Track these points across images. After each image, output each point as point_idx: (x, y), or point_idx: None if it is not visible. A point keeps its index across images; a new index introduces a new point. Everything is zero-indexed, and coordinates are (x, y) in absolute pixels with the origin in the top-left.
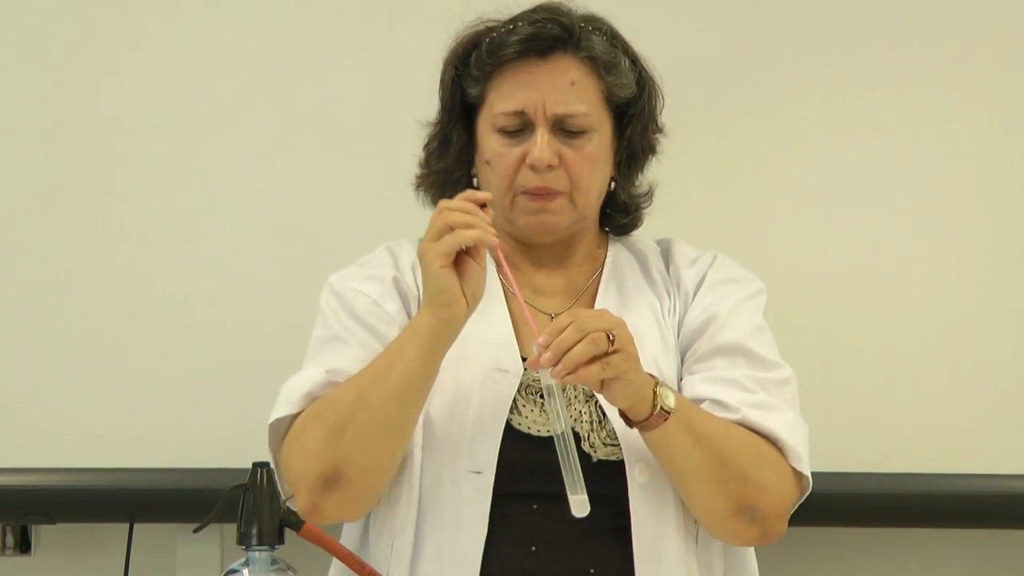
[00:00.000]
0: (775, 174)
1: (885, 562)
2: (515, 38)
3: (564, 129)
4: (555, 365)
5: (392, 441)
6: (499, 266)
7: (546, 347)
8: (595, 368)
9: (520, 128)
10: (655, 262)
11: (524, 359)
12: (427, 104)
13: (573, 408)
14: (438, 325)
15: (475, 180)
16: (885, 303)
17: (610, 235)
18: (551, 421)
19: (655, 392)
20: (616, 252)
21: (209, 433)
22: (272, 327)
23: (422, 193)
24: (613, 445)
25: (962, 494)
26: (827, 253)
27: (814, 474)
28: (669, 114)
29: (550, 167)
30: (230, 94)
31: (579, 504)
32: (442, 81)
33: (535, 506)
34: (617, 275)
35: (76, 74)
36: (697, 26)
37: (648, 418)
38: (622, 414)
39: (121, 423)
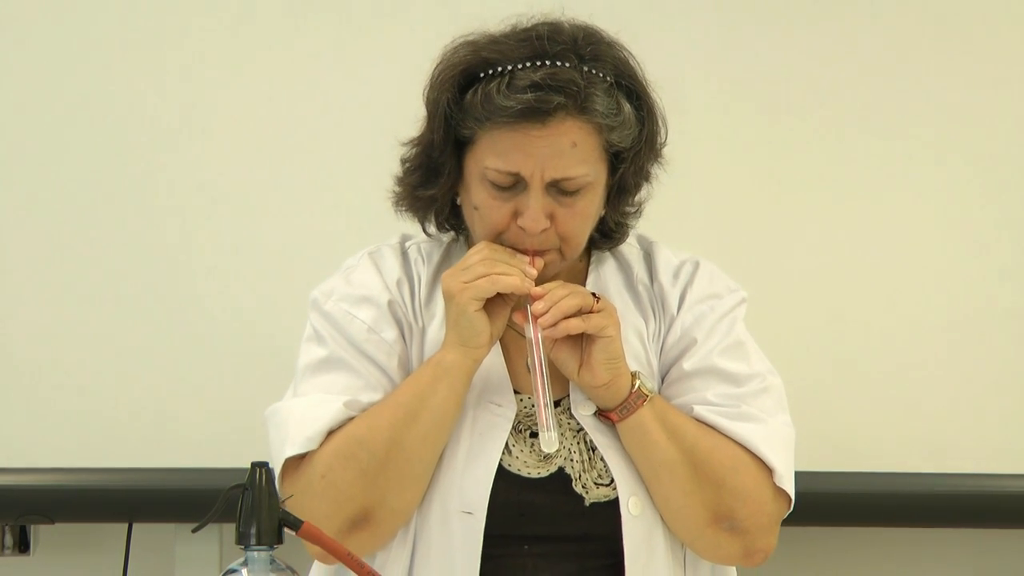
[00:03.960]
0: (775, 174)
1: (885, 562)
2: (511, 103)
3: (560, 188)
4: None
5: (424, 481)
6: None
7: (539, 298)
8: (576, 320)
9: (513, 184)
10: (639, 272)
11: (517, 392)
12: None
13: (563, 446)
14: (469, 364)
15: (458, 200)
16: (885, 303)
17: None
18: (531, 371)
19: (634, 374)
20: (598, 262)
21: (208, 433)
22: (271, 328)
23: (403, 210)
24: (604, 485)
25: (962, 494)
26: (827, 253)
27: (814, 474)
28: (669, 113)
29: (542, 230)
30: (229, 95)
31: (548, 441)
32: (430, 101)
33: (527, 547)
34: (601, 290)
35: (78, 74)
36: (698, 26)
37: (625, 400)
38: (599, 411)
39: (120, 423)
